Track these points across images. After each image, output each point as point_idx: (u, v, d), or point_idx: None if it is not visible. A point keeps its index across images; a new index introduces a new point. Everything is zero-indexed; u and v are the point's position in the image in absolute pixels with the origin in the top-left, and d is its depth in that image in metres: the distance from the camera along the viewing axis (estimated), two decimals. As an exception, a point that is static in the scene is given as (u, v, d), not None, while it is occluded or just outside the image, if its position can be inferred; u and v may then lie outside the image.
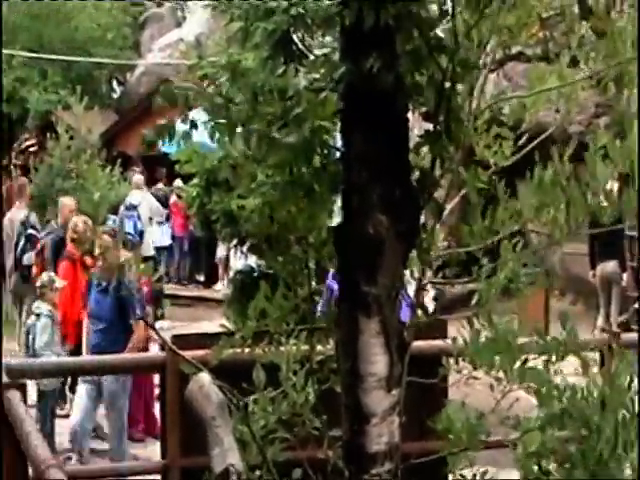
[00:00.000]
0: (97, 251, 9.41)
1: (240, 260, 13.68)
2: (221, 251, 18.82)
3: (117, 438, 9.29)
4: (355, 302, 3.43)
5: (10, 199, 22.49)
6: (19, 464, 4.60)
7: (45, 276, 10.63)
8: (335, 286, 3.91)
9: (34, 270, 12.78)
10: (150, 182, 20.26)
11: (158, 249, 18.57)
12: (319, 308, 4.24)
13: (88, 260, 11.29)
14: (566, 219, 3.43)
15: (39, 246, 13.03)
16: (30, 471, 4.44)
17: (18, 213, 15.25)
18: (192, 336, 6.50)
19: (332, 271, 4.42)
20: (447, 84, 3.43)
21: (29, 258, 13.57)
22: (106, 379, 8.87)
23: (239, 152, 3.96)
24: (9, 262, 14.75)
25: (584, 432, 3.30)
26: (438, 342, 4.99)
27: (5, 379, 4.98)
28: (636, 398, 3.33)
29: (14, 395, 4.60)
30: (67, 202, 12.63)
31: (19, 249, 14.13)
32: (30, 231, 14.20)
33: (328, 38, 3.75)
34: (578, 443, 3.33)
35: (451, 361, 3.95)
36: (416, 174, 3.57)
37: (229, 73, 3.60)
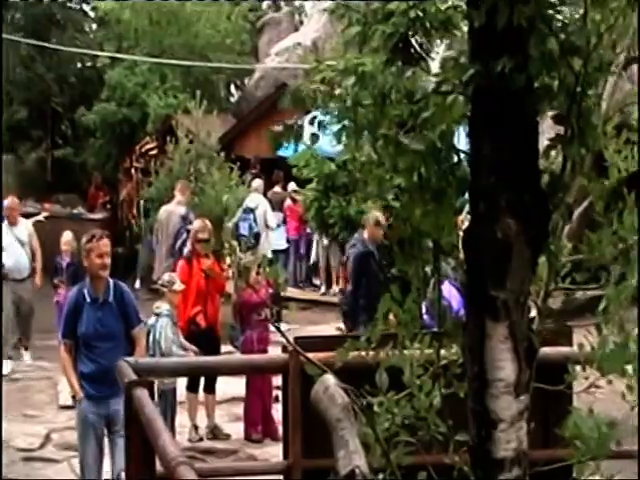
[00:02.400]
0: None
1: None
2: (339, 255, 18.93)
3: None
4: (483, 306, 3.41)
5: (131, 199, 23.02)
6: (146, 461, 4.69)
7: (167, 276, 10.87)
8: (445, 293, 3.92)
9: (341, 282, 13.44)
10: (268, 186, 20.47)
11: (275, 252, 18.77)
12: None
13: (206, 262, 11.50)
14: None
15: (344, 258, 13.66)
16: (158, 468, 4.52)
17: (178, 208, 16.50)
18: (313, 338, 6.55)
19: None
20: (578, 87, 3.39)
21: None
22: None
23: (366, 156, 3.97)
24: (161, 250, 16.42)
25: None
26: (564, 348, 4.92)
27: (134, 377, 5.09)
28: None
29: (143, 393, 4.69)
30: (373, 215, 11.51)
31: (179, 241, 15.67)
32: (190, 226, 15.35)
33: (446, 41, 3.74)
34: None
35: (577, 368, 3.90)
36: (545, 178, 3.54)
37: (354, 75, 3.61)
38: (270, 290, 10.49)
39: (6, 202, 14.40)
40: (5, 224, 14.07)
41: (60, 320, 13.97)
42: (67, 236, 15.29)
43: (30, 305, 14.36)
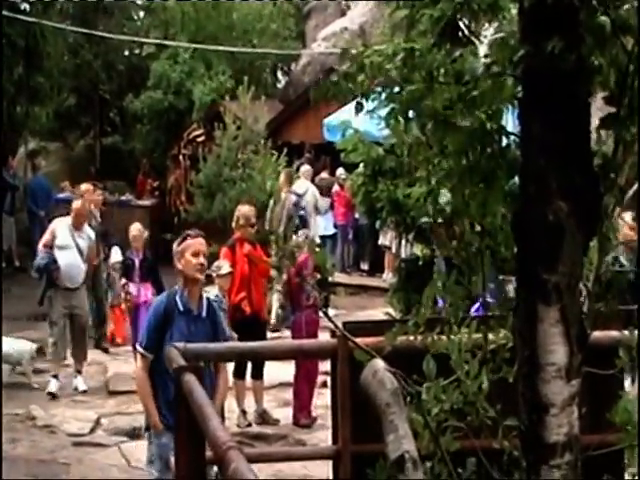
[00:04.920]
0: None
1: (406, 248, 13.66)
2: (384, 239, 18.83)
3: None
4: (534, 290, 3.37)
5: (179, 186, 23.10)
6: (195, 446, 4.70)
7: (216, 262, 10.89)
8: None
9: None
10: (318, 171, 20.45)
11: (323, 237, 18.77)
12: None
13: (248, 248, 11.48)
14: None
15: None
16: (207, 453, 4.53)
17: (290, 196, 16.99)
18: (362, 323, 6.54)
19: None
20: (630, 67, 3.33)
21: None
22: None
23: (413, 138, 3.94)
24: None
25: None
26: (615, 333, 4.85)
27: (182, 362, 5.11)
28: None
29: (191, 378, 4.70)
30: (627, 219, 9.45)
31: (294, 222, 16.49)
32: (302, 212, 17.03)
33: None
34: None
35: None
36: (597, 160, 3.48)
37: (404, 53, 3.57)
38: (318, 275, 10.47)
39: (75, 205, 12.98)
40: (69, 223, 12.90)
41: (136, 324, 12.61)
42: (136, 229, 13.62)
43: (85, 318, 13.01)
